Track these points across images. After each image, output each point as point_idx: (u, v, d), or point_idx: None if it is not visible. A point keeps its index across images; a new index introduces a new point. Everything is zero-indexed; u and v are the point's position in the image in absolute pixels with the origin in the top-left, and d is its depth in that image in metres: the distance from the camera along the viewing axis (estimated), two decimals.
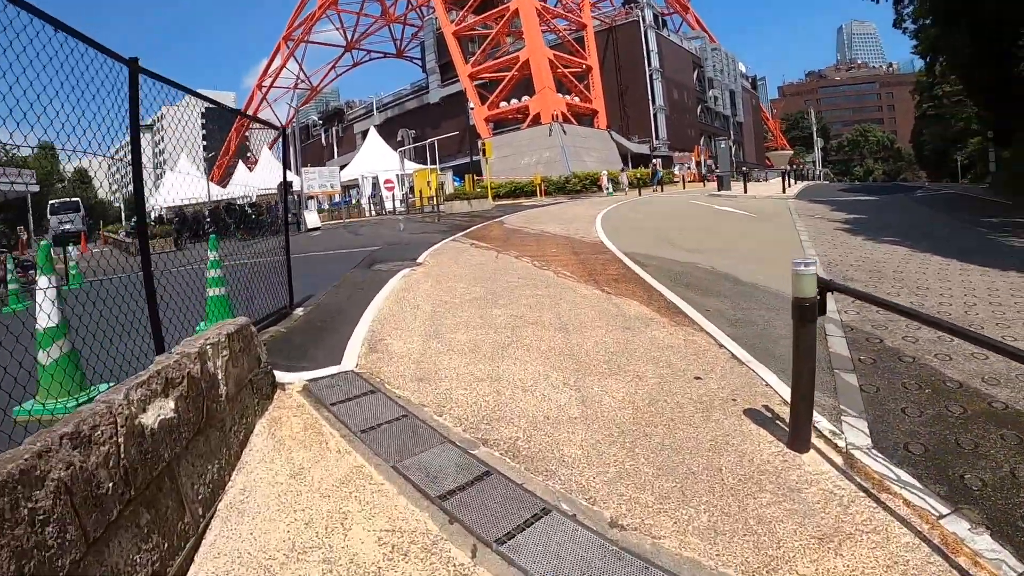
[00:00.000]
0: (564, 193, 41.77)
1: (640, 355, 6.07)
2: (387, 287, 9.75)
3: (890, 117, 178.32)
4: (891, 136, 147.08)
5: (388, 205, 41.82)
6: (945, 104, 79.78)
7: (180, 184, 49.17)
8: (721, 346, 6.36)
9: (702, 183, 51.97)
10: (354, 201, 47.78)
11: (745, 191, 30.67)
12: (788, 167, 71.15)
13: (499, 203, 36.00)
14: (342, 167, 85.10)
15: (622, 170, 43.73)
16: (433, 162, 44.74)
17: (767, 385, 5.36)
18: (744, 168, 52.37)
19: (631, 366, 5.77)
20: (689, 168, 67.10)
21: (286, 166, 10.32)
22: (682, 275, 10.12)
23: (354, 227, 27.75)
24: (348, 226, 28.94)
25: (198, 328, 6.93)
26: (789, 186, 34.71)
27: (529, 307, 7.99)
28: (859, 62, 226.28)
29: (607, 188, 41.21)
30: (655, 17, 76.49)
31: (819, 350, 5.48)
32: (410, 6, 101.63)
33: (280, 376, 5.55)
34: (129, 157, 4.88)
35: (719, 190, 32.85)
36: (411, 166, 45.49)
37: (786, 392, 4.93)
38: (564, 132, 51.11)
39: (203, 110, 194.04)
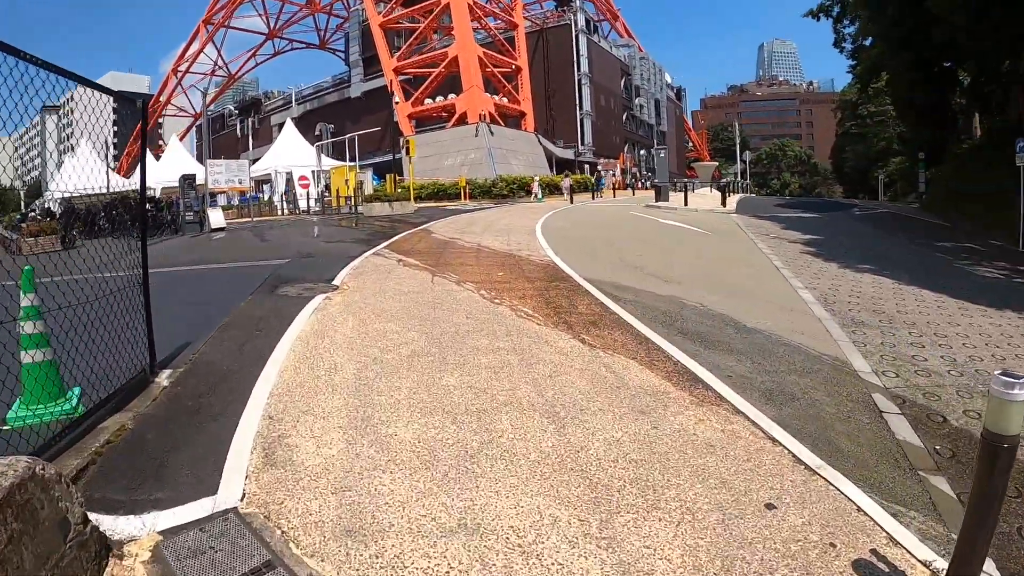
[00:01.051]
0: (490, 197, 39.80)
1: (676, 465, 4.10)
2: (294, 328, 7.47)
3: (808, 133, 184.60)
4: (808, 152, 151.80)
5: (303, 204, 38.99)
6: (868, 124, 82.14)
7: (79, 172, 45.15)
8: (774, 441, 4.51)
9: (630, 191, 50.96)
10: (266, 198, 44.64)
11: (686, 203, 29.34)
12: (713, 179, 71.67)
13: (421, 205, 33.77)
14: (255, 160, 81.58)
15: (566, 175, 41.72)
16: (352, 159, 42.17)
17: (860, 511, 3.69)
18: (684, 181, 51.72)
19: (671, 490, 3.80)
20: (614, 175, 66.44)
21: (144, 153, 7.64)
22: (671, 316, 8.25)
23: (263, 229, 24.87)
24: (256, 227, 26.04)
25: (9, 417, 4.58)
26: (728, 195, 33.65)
27: (493, 371, 5.88)
28: (780, 79, 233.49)
29: (536, 194, 39.69)
30: (587, 22, 75.58)
31: (881, 433, 4.92)
32: None
33: (115, 527, 3.34)
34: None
35: (657, 201, 31.51)
36: (328, 162, 42.68)
37: (890, 523, 3.57)
38: (491, 133, 48.96)
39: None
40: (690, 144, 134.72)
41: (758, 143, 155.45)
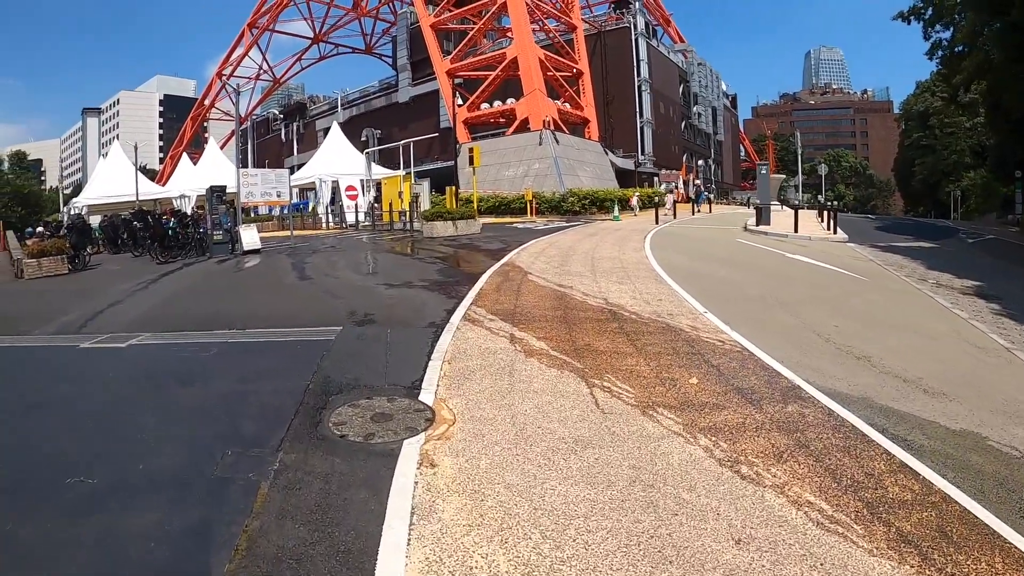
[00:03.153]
0: (559, 213, 35.66)
1: None
2: None
3: (863, 143, 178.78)
4: (864, 162, 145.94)
5: (350, 217, 35.52)
6: (938, 135, 77.03)
7: (109, 179, 42.13)
8: None
9: (704, 207, 46.60)
10: (310, 207, 41.31)
11: (796, 229, 24.99)
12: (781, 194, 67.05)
13: (485, 221, 29.79)
14: (300, 166, 79.23)
15: (636, 192, 38.12)
16: (400, 166, 38.71)
17: None
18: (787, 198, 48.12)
19: None
20: (677, 188, 62.16)
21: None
22: None
23: (303, 253, 20.92)
24: (296, 250, 22.22)
25: None
26: (820, 220, 29.44)
27: None
28: (834, 87, 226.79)
29: (635, 208, 37.63)
30: (646, 25, 71.57)
31: None
32: (382, 0, 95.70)
33: None
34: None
35: (758, 224, 27.27)
36: (379, 171, 39.19)
37: None
38: (557, 142, 44.56)
39: (162, 97, 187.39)
40: (743, 154, 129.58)
41: (811, 153, 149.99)
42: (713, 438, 5.25)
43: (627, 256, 16.91)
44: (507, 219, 34.41)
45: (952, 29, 35.28)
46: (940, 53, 37.41)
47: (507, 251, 18.27)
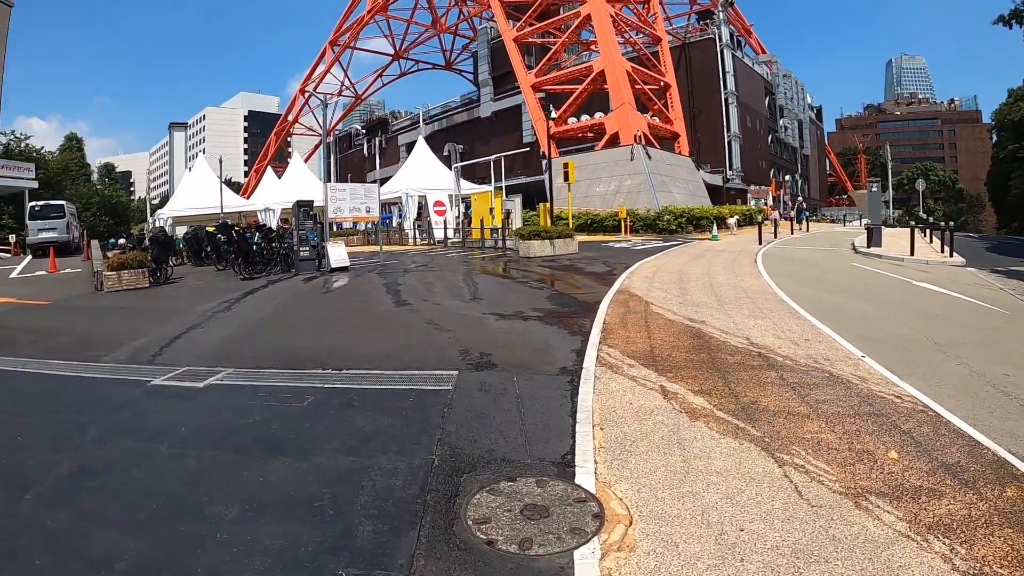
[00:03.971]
0: (654, 232, 34.51)
1: None
2: None
3: (951, 156, 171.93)
4: (953, 175, 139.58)
5: (438, 233, 35.09)
6: None
7: (194, 191, 42.71)
8: None
9: (797, 225, 44.69)
10: (396, 222, 41.13)
11: (912, 251, 23.31)
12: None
13: (580, 239, 28.90)
14: (383, 180, 79.85)
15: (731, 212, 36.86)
16: (490, 180, 38.09)
17: None
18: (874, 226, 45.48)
19: None
20: (768, 204, 60.06)
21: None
22: None
23: (395, 272, 20.32)
24: (386, 268, 21.66)
25: None
26: (930, 241, 27.42)
27: None
28: (920, 97, 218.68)
29: (732, 228, 36.47)
30: (731, 36, 69.72)
31: None
32: (462, 16, 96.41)
33: None
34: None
35: (869, 245, 25.57)
36: (466, 186, 38.75)
37: None
38: (649, 157, 43.41)
39: (246, 113, 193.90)
40: (829, 168, 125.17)
41: (898, 166, 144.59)
42: (946, 540, 4.16)
43: (747, 283, 15.72)
44: (601, 237, 33.43)
45: None
46: None
47: (615, 275, 17.32)
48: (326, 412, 6.74)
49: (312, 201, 24.34)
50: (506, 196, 31.78)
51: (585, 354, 8.89)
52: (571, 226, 28.58)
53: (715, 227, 33.39)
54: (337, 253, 21.83)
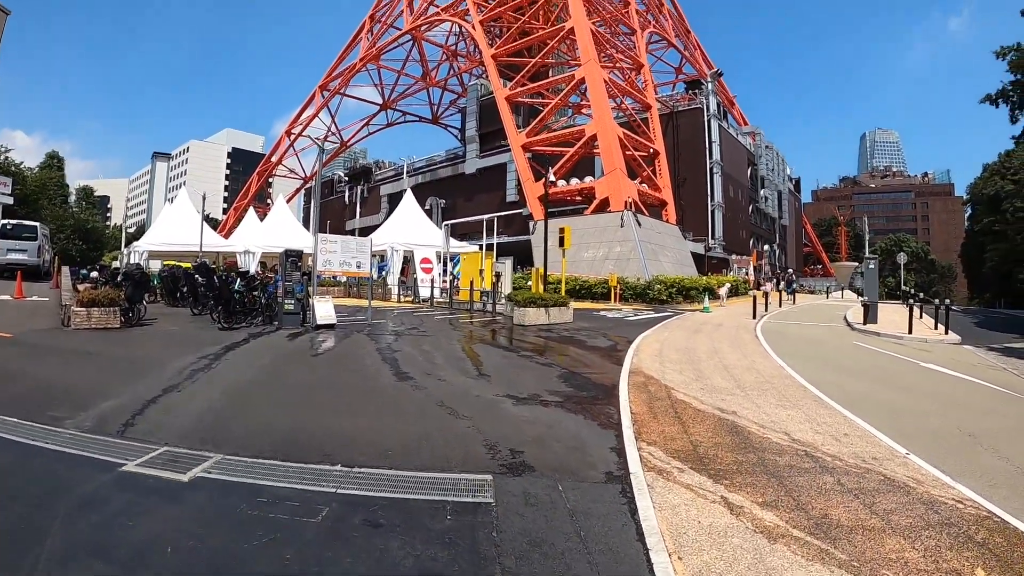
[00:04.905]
0: (644, 301, 34.03)
1: None
2: None
3: (924, 227, 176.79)
4: (925, 247, 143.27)
5: (423, 291, 34.25)
6: (1010, 220, 73.88)
7: (173, 225, 41.42)
8: None
9: (785, 296, 44.44)
10: (381, 275, 40.21)
11: (910, 329, 22.99)
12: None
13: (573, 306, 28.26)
14: (363, 230, 79.11)
15: (720, 282, 36.50)
16: (466, 238, 37.54)
17: None
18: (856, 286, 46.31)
19: None
20: (747, 273, 60.32)
21: None
22: None
23: (384, 334, 19.34)
24: (376, 328, 20.69)
25: None
26: (919, 317, 27.18)
27: None
28: (893, 169, 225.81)
29: (722, 298, 35.99)
30: (718, 106, 70.85)
31: None
32: (452, 71, 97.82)
33: None
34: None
35: (865, 322, 25.21)
36: (457, 245, 38.08)
37: None
38: (639, 224, 43.12)
39: (230, 149, 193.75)
40: (805, 238, 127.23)
41: (872, 237, 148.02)
42: None
43: (760, 365, 15.09)
44: (590, 304, 32.78)
45: None
46: None
47: (619, 350, 16.59)
48: (349, 534, 5.47)
49: (301, 252, 23.42)
50: (496, 258, 31.09)
51: (626, 453, 8.05)
52: (565, 295, 27.94)
53: (706, 298, 32.96)
54: (324, 309, 20.79)
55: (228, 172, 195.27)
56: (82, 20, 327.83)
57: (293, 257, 21.71)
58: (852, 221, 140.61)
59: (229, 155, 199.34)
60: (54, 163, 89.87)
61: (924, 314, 29.54)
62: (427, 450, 8.15)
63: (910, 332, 22.72)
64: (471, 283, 30.09)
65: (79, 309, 17.45)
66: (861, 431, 9.42)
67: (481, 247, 35.47)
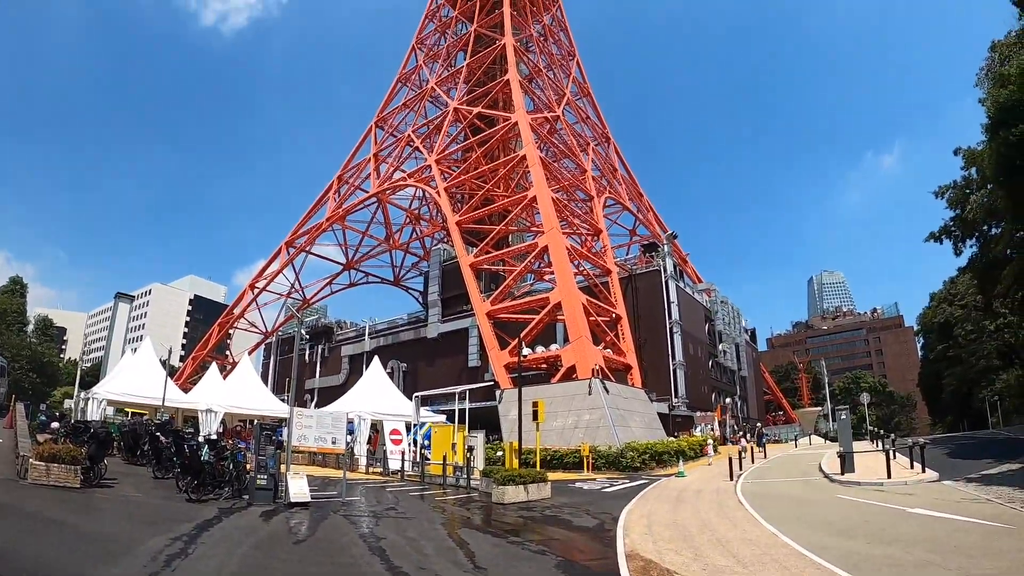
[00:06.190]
0: (618, 469, 33.86)
1: None
2: None
3: (879, 361, 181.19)
4: (882, 380, 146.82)
5: (393, 463, 33.78)
6: (962, 344, 76.43)
7: (135, 374, 40.31)
8: None
9: (753, 450, 44.64)
10: (349, 445, 39.48)
11: (889, 474, 23.46)
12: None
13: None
14: (322, 389, 78.32)
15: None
16: (426, 403, 37.53)
17: None
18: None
19: None
20: (713, 429, 60.77)
21: None
22: None
23: (361, 515, 18.87)
24: (351, 509, 20.21)
25: None
26: (894, 457, 27.64)
27: None
28: (844, 309, 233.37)
29: (680, 470, 34.79)
30: (674, 267, 73.78)
31: None
32: (415, 235, 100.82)
33: None
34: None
35: (843, 472, 25.56)
36: (425, 413, 38.01)
37: None
38: (607, 391, 43.51)
39: (192, 296, 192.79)
40: (765, 387, 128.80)
41: (831, 379, 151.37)
42: None
43: (753, 534, 14.96)
44: (563, 475, 32.44)
45: (981, 243, 39.12)
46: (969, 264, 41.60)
47: (607, 530, 16.48)
48: None
49: (276, 425, 23.22)
50: (467, 429, 31.10)
51: None
52: (541, 469, 27.88)
53: (680, 463, 33.12)
54: (298, 487, 20.26)
55: (188, 319, 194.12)
56: (58, 152, 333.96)
57: (268, 431, 21.48)
58: (810, 364, 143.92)
59: (191, 302, 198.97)
60: (17, 289, 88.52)
61: (897, 452, 30.10)
62: None
63: (889, 477, 23.22)
64: (444, 457, 29.85)
65: (38, 463, 16.90)
66: None
67: (445, 414, 35.48)
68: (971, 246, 40.13)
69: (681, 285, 74.46)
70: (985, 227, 37.55)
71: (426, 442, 33.09)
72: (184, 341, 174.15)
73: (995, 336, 69.44)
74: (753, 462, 37.50)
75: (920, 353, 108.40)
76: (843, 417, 28.14)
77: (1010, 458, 28.21)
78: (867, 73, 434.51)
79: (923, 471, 24.04)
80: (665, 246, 74.64)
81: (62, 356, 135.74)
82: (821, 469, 28.99)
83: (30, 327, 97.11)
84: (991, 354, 71.84)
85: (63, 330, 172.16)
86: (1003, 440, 39.38)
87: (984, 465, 26.10)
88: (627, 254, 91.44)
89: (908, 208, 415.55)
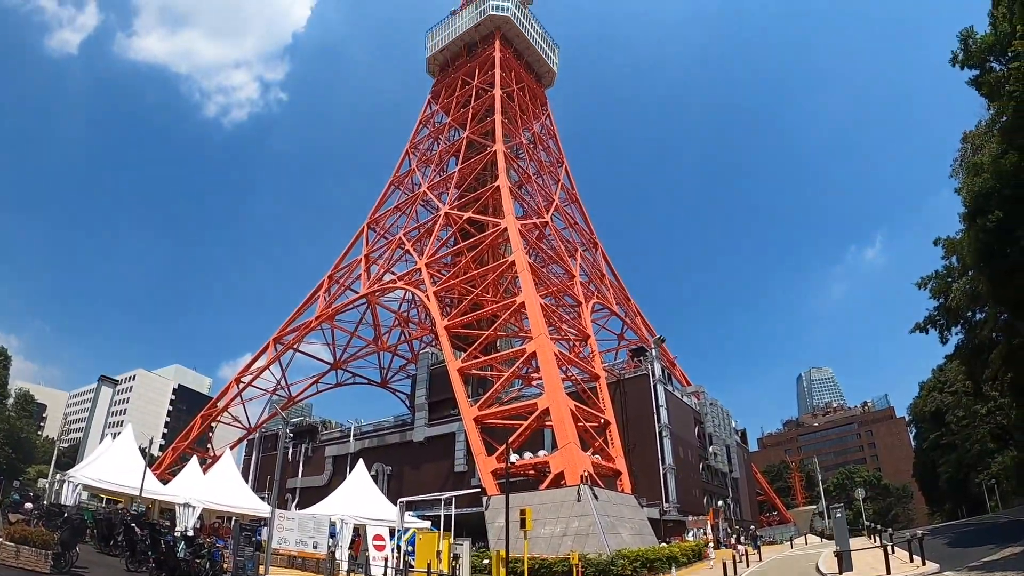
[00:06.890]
0: None
1: None
2: None
3: (872, 454, 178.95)
4: (877, 474, 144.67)
5: (376, 571, 32.84)
6: (955, 430, 75.84)
7: (113, 460, 39.33)
8: None
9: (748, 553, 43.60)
10: (330, 549, 38.44)
11: (888, 571, 23.00)
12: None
13: None
14: (304, 490, 76.61)
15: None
16: (410, 508, 36.74)
17: None
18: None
19: None
20: (706, 533, 59.52)
21: None
22: None
23: None
24: None
25: None
26: (891, 552, 27.08)
27: None
28: (834, 404, 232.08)
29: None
30: (662, 370, 73.87)
31: None
32: (403, 337, 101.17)
33: None
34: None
35: (841, 572, 25.08)
36: (409, 519, 37.19)
37: None
38: (596, 498, 42.60)
39: (176, 386, 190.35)
40: (757, 488, 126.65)
41: (824, 475, 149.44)
42: None
43: None
44: None
45: (966, 329, 39.96)
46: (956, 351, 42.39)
47: None
48: None
49: (256, 525, 22.74)
50: (453, 536, 30.50)
51: None
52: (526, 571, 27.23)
53: (672, 569, 32.44)
54: None
55: (171, 408, 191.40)
56: (48, 227, 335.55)
57: (247, 531, 21.05)
58: (802, 462, 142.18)
59: (175, 391, 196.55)
60: (0, 361, 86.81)
61: (895, 546, 29.54)
62: None
63: (888, 573, 22.95)
64: (428, 565, 29.12)
65: (8, 544, 16.62)
66: None
67: (430, 520, 34.69)
68: (956, 333, 41.03)
69: (670, 388, 74.32)
70: (969, 313, 38.42)
71: (410, 548, 32.30)
72: (165, 430, 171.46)
73: (988, 419, 69.60)
74: (748, 566, 36.74)
75: (913, 443, 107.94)
76: (838, 515, 27.89)
77: (1012, 542, 27.96)
78: (847, 169, 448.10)
79: (923, 563, 23.74)
80: (653, 350, 74.96)
81: (40, 433, 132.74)
82: (819, 569, 28.51)
83: (10, 400, 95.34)
84: (985, 438, 71.87)
85: (43, 407, 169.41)
86: (1003, 523, 38.91)
87: (986, 552, 25.85)
88: (615, 359, 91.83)
89: (892, 299, 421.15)
